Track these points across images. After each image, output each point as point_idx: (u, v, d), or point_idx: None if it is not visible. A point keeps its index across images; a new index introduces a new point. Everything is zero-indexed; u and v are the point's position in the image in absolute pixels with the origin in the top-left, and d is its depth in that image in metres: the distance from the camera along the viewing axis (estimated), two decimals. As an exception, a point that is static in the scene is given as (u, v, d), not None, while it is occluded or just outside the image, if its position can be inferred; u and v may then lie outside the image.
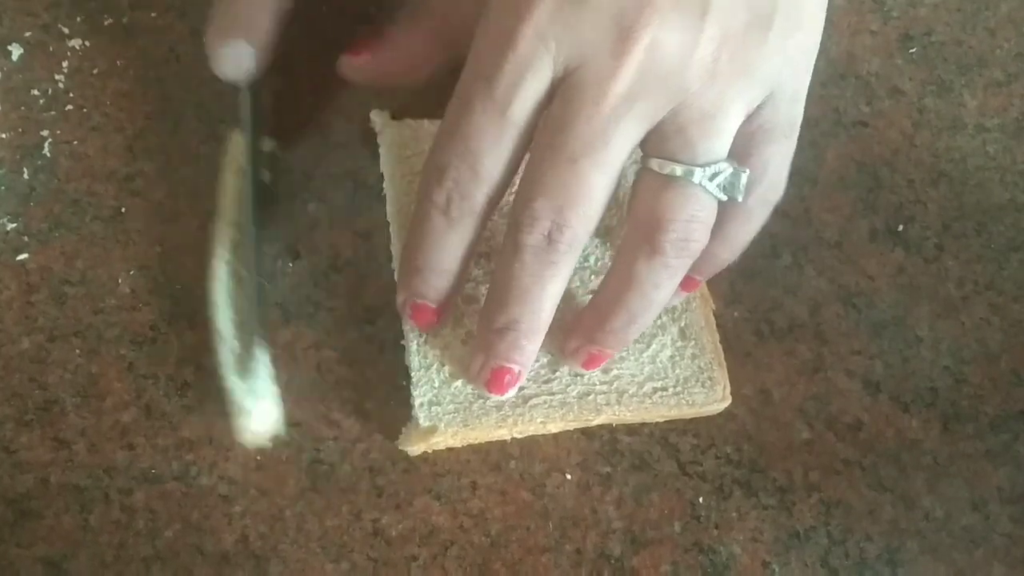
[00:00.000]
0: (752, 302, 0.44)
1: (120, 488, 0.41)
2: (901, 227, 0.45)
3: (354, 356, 0.43)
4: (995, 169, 0.47)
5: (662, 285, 0.36)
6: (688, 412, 0.41)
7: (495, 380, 0.39)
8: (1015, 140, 0.47)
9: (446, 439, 0.40)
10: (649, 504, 0.41)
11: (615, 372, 0.41)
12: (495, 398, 0.40)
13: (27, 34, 0.48)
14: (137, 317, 0.43)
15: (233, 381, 0.39)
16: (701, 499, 0.41)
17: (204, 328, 0.43)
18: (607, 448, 0.42)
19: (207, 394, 0.42)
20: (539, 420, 0.40)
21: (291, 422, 0.42)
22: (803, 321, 0.44)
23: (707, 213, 0.36)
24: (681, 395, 0.41)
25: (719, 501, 0.41)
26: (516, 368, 0.38)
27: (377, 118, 0.46)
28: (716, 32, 0.34)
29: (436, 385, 0.41)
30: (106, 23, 0.48)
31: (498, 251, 0.38)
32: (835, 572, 0.41)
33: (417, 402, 0.40)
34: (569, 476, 0.42)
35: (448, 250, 0.38)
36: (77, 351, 0.43)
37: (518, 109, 0.35)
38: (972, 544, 0.41)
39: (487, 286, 0.40)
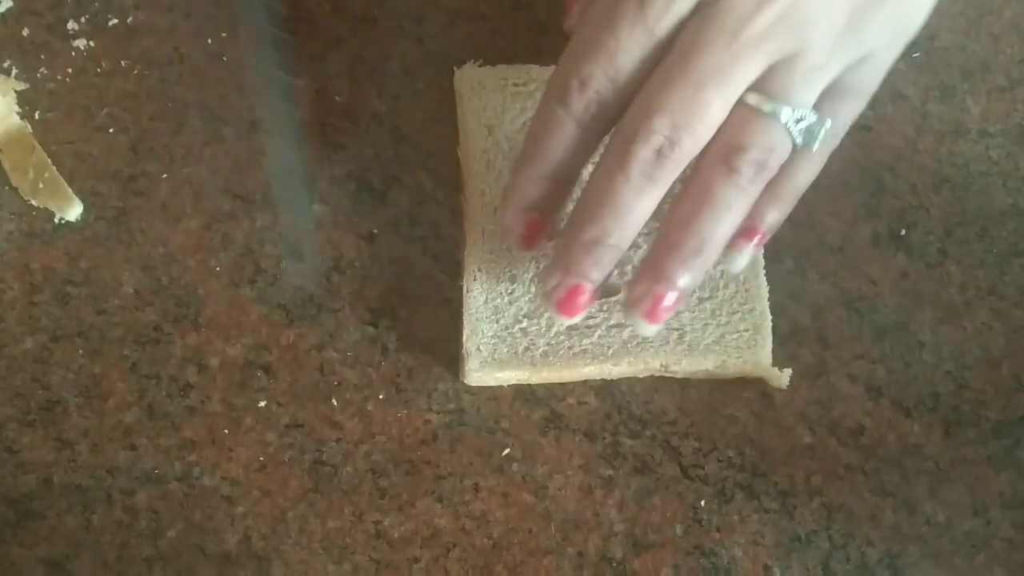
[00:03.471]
0: (755, 306, 0.44)
1: (123, 488, 0.41)
2: (904, 232, 0.45)
3: (357, 358, 0.43)
4: (998, 174, 0.47)
5: (733, 207, 0.37)
6: (734, 367, 0.42)
7: (569, 299, 0.38)
8: (1018, 146, 0.47)
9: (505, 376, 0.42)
10: (651, 507, 0.41)
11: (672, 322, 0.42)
12: (550, 345, 0.41)
13: (31, 34, 0.48)
14: (140, 317, 0.43)
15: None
16: (703, 502, 0.41)
17: (207, 328, 0.43)
18: (609, 451, 0.42)
19: (210, 394, 0.42)
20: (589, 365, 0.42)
21: (294, 423, 0.42)
22: (805, 325, 0.44)
23: (783, 150, 0.37)
24: (732, 348, 0.42)
25: (721, 504, 0.41)
26: (591, 287, 0.38)
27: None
28: None
29: (493, 328, 0.42)
30: (110, 23, 0.48)
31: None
32: (836, 576, 0.41)
33: (470, 342, 0.41)
34: (571, 479, 0.42)
35: (575, 158, 0.38)
36: (80, 351, 0.43)
37: (664, 28, 0.36)
38: (973, 549, 0.41)
39: None
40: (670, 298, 0.38)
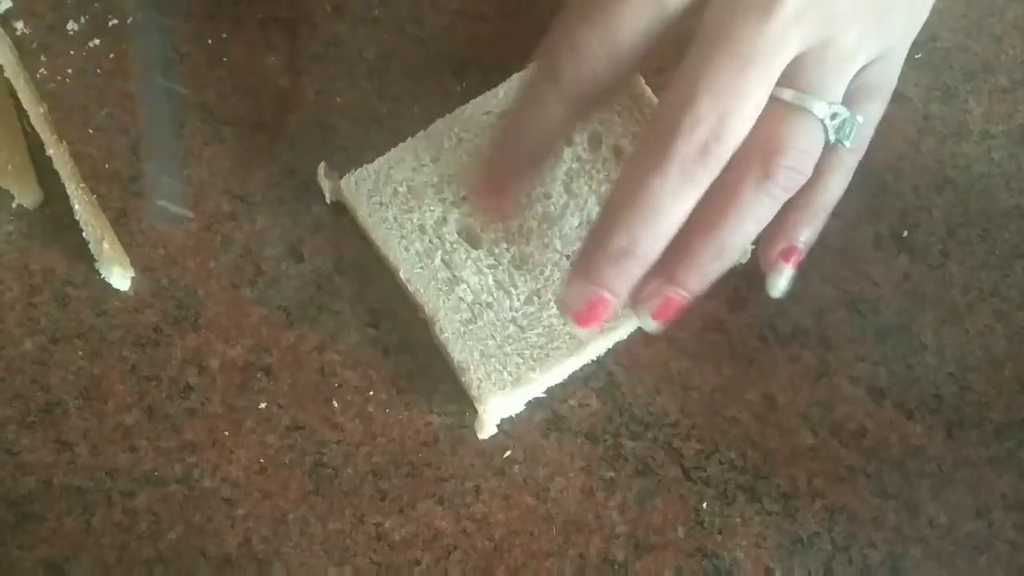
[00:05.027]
0: (756, 308, 0.44)
1: (122, 490, 0.41)
2: (906, 233, 0.45)
3: (357, 359, 0.43)
4: (1000, 176, 0.46)
5: (759, 215, 0.35)
6: None
7: (588, 311, 0.35)
8: (1020, 147, 0.47)
9: (506, 404, 0.41)
10: (653, 509, 0.41)
11: None
12: (518, 347, 0.41)
13: (31, 34, 0.48)
14: (140, 319, 0.43)
15: (147, 167, 0.40)
16: (705, 504, 0.41)
17: (207, 329, 0.43)
18: (611, 453, 0.42)
19: (210, 396, 0.42)
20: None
21: (294, 425, 0.42)
22: (807, 327, 0.44)
23: (818, 150, 0.36)
24: None
25: (723, 506, 0.41)
26: (611, 301, 0.35)
27: (327, 179, 0.45)
28: None
29: (477, 361, 0.41)
30: (111, 24, 0.48)
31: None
32: (839, 579, 0.41)
33: (473, 388, 0.41)
34: (573, 481, 0.41)
35: (555, 135, 0.37)
36: (80, 353, 0.43)
37: (676, 4, 0.34)
38: (976, 551, 0.41)
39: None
40: (679, 300, 0.36)
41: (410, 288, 0.42)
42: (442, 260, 0.42)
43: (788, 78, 0.35)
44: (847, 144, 0.37)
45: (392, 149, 0.44)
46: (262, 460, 0.41)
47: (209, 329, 0.43)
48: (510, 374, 0.41)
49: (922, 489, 0.42)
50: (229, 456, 0.41)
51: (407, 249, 0.43)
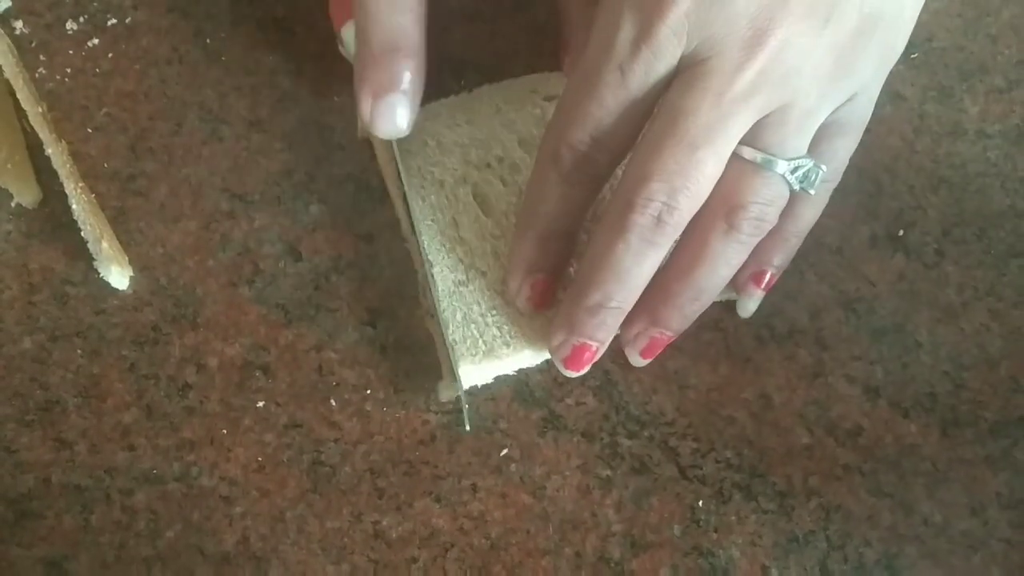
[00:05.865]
0: (753, 306, 0.44)
1: (121, 489, 0.41)
2: (901, 233, 0.45)
3: (355, 358, 0.43)
4: (996, 175, 0.47)
5: (731, 262, 0.38)
6: None
7: (575, 357, 0.39)
8: (1016, 146, 0.47)
9: (477, 373, 0.41)
10: (649, 508, 0.41)
11: None
12: (499, 329, 0.41)
13: (30, 33, 0.48)
14: (139, 318, 0.43)
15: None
16: (701, 503, 0.41)
17: (205, 328, 0.43)
18: (607, 451, 0.42)
19: (208, 394, 0.42)
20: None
21: (292, 423, 0.42)
22: (803, 326, 0.44)
23: (783, 200, 0.38)
24: None
25: (719, 505, 0.41)
26: (596, 346, 0.39)
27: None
28: (832, 38, 0.36)
29: (458, 323, 0.41)
30: (109, 23, 0.48)
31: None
32: (834, 577, 0.41)
33: (450, 344, 0.41)
34: (569, 479, 0.42)
35: (572, 216, 0.39)
36: (79, 351, 0.43)
37: (644, 89, 0.36)
38: (971, 549, 0.41)
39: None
40: (665, 339, 0.40)
41: (416, 239, 0.43)
42: (453, 218, 0.43)
43: (751, 137, 0.37)
44: (811, 192, 0.38)
45: (431, 103, 0.45)
46: (260, 458, 0.41)
47: (207, 328, 0.43)
48: (485, 344, 0.41)
49: (917, 488, 0.42)
50: (227, 454, 0.41)
51: (423, 200, 0.44)
